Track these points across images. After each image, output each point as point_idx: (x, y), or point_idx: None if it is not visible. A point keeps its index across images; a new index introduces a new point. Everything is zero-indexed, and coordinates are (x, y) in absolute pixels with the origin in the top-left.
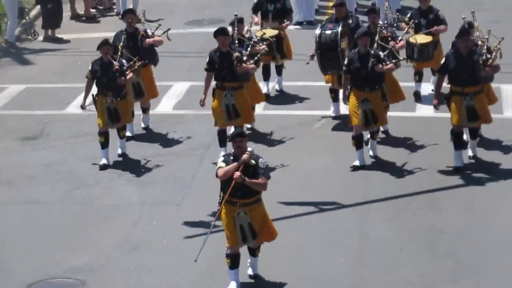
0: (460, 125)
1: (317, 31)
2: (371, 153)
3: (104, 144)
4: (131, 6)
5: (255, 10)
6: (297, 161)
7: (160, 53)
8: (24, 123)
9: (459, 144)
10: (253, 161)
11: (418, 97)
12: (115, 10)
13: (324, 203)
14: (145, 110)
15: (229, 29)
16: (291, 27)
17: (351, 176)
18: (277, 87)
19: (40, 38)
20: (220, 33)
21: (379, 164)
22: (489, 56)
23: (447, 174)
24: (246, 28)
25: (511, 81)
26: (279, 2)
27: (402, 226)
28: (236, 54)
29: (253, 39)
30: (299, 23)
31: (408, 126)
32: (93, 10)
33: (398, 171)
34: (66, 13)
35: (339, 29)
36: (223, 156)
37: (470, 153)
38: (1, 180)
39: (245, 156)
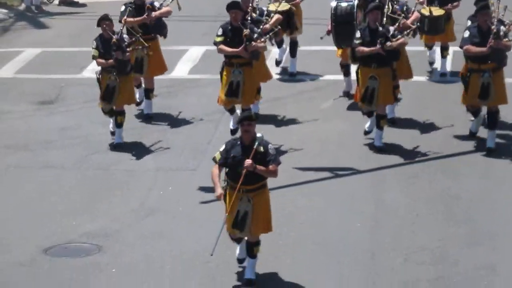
0: (474, 105)
1: (333, 3)
2: (376, 143)
3: (111, 115)
4: None
5: None
6: (313, 128)
7: (175, 17)
8: (39, 87)
9: (475, 113)
10: (261, 148)
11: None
12: None
13: (340, 169)
14: (148, 93)
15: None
16: None
17: (366, 143)
18: (291, 69)
19: (56, 2)
20: (233, 7)
21: (394, 132)
22: (502, 32)
23: (462, 140)
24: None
25: None
26: None
27: (417, 192)
28: (246, 31)
29: (265, 17)
30: None
31: (424, 92)
32: None
33: (413, 138)
34: None
35: (356, 1)
36: (226, 143)
37: (488, 143)
38: (17, 144)
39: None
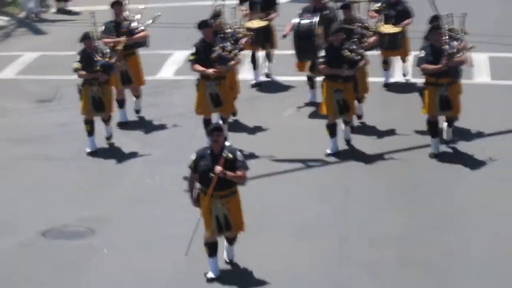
0: (434, 115)
1: (295, 20)
2: (346, 136)
3: (90, 133)
4: None
5: (242, 0)
6: (286, 121)
7: (162, 24)
8: (39, 87)
9: (434, 133)
10: (230, 155)
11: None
12: None
13: (311, 160)
14: (137, 97)
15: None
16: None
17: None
18: (266, 70)
19: (53, 10)
20: (204, 26)
21: (360, 128)
22: (455, 49)
23: (422, 135)
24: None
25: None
26: None
27: (382, 182)
28: (216, 53)
29: (234, 34)
30: None
31: (389, 93)
32: None
33: (378, 133)
34: None
35: (316, 19)
36: (197, 151)
37: (445, 135)
38: (19, 138)
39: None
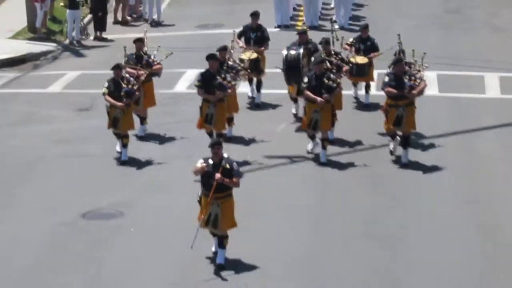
0: (392, 131)
1: (284, 52)
2: (322, 159)
3: (119, 137)
4: (155, 16)
5: (239, 36)
6: (272, 127)
7: (177, 48)
8: (78, 99)
9: (393, 137)
10: (227, 165)
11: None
12: (144, 17)
13: (296, 157)
14: (142, 120)
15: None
16: (273, 29)
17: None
18: (256, 100)
19: (91, 38)
20: (210, 58)
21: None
22: (416, 81)
23: (384, 136)
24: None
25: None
26: (259, 31)
27: (353, 172)
28: (218, 81)
29: (235, 68)
30: (278, 26)
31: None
32: (129, 18)
33: (349, 135)
34: (110, 19)
35: (301, 51)
36: (202, 159)
37: (403, 159)
38: (62, 139)
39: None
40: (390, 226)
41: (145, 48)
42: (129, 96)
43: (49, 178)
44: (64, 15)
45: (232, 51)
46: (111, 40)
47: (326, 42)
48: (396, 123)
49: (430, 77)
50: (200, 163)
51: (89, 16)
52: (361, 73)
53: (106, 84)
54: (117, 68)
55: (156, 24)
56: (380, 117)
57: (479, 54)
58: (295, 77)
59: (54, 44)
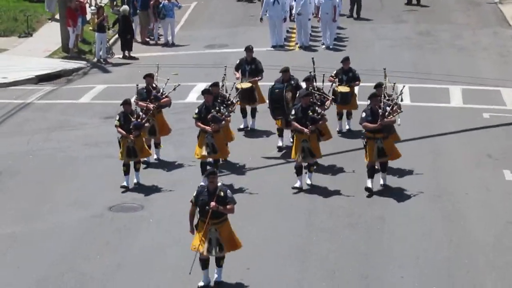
0: (373, 162)
1: (269, 89)
2: (308, 181)
3: (126, 172)
4: (170, 37)
5: (236, 68)
6: (272, 141)
7: (188, 65)
8: (105, 108)
9: (372, 174)
10: (222, 193)
11: (341, 132)
12: (161, 38)
13: (288, 162)
14: (157, 145)
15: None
16: (269, 48)
17: None
18: (251, 125)
19: (116, 56)
20: (206, 92)
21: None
22: (387, 112)
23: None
24: (221, 85)
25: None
26: (254, 64)
27: (335, 175)
28: (211, 115)
29: (229, 100)
30: (273, 46)
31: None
32: (147, 39)
33: (332, 144)
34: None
35: (284, 88)
36: (198, 187)
37: (381, 182)
38: (91, 143)
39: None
40: (370, 218)
41: (155, 83)
42: (137, 129)
43: (80, 176)
44: (93, 37)
45: (223, 85)
46: (136, 58)
47: (307, 79)
48: (379, 155)
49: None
50: (193, 195)
51: (114, 38)
52: (345, 101)
53: (117, 117)
54: (126, 103)
55: (171, 45)
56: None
57: (445, 70)
58: (279, 112)
59: (84, 62)
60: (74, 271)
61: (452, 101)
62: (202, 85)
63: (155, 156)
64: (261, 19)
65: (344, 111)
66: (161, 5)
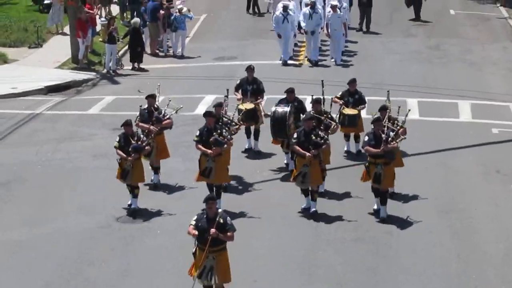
0: (372, 186)
1: (273, 108)
2: (312, 208)
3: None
4: (179, 50)
5: (237, 89)
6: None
7: (198, 77)
8: (114, 119)
9: (377, 195)
10: (221, 220)
11: (348, 152)
12: (170, 50)
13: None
14: (156, 170)
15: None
16: (275, 62)
17: None
18: (255, 148)
19: (125, 67)
20: (208, 115)
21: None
22: (390, 137)
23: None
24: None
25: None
26: (255, 84)
27: (345, 188)
28: (213, 138)
29: (229, 124)
30: (284, 63)
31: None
32: (157, 51)
33: (338, 159)
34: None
35: (288, 109)
36: (197, 214)
37: (382, 214)
38: (99, 154)
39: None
40: (377, 232)
41: (157, 103)
42: (137, 151)
43: (88, 186)
44: (103, 49)
45: (226, 107)
46: (146, 70)
47: (316, 101)
48: (375, 181)
49: (412, 103)
50: (193, 219)
51: (124, 49)
52: (352, 123)
53: (117, 139)
54: (126, 124)
55: (181, 57)
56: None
57: (454, 84)
58: (281, 133)
59: (94, 73)
60: (79, 276)
61: (461, 115)
62: (211, 98)
63: (152, 181)
64: (279, 35)
65: (352, 134)
66: (172, 17)
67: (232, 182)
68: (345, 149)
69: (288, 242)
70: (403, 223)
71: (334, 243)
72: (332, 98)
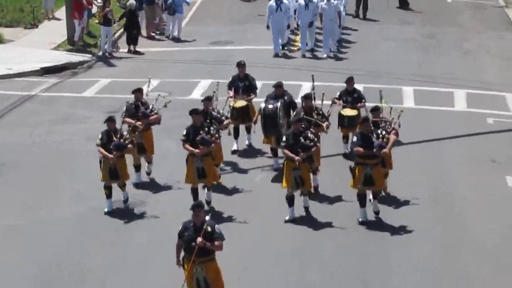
0: (361, 190)
1: (262, 105)
2: (304, 204)
3: (108, 196)
4: (176, 33)
5: (229, 86)
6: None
7: (192, 61)
8: (109, 102)
9: (362, 203)
10: (209, 228)
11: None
12: (165, 33)
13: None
14: (149, 163)
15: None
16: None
17: None
18: (247, 142)
19: (121, 50)
20: (194, 112)
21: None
22: (384, 139)
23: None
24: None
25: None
26: (247, 81)
27: (338, 177)
28: (200, 137)
29: (219, 118)
30: (276, 55)
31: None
32: (153, 34)
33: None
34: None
35: (278, 104)
36: (183, 222)
37: (374, 209)
38: (93, 137)
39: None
40: (370, 222)
41: (144, 98)
42: (118, 149)
43: (82, 170)
44: (99, 31)
45: (216, 101)
46: (142, 53)
47: (306, 97)
48: (366, 183)
49: (407, 91)
50: (180, 230)
51: (120, 32)
52: (352, 125)
53: (100, 136)
54: (109, 120)
55: (177, 40)
56: None
57: (449, 73)
58: (272, 131)
59: (89, 55)
60: (74, 263)
61: (456, 105)
62: (206, 82)
63: (146, 170)
64: (267, 26)
65: (351, 135)
66: (170, 1)
67: (223, 180)
68: (344, 151)
69: (279, 231)
70: (395, 213)
71: (326, 234)
72: (331, 100)
